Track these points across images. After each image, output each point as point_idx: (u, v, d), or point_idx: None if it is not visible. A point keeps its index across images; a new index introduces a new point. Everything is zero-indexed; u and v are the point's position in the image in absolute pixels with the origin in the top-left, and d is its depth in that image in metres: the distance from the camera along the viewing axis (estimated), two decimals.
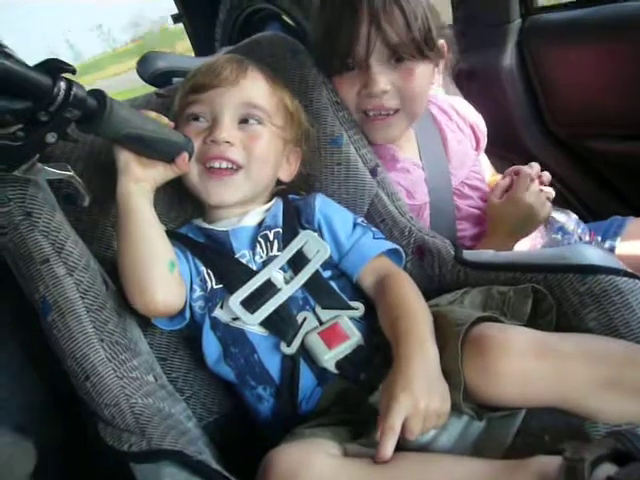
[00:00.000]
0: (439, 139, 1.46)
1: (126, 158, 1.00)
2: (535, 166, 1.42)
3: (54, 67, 0.81)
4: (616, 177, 1.89)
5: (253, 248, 1.13)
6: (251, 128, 1.15)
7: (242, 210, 1.18)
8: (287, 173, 1.26)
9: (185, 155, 1.06)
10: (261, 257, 1.12)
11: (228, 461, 0.96)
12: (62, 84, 0.80)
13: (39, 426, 1.13)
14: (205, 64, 1.23)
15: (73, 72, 0.84)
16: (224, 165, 1.12)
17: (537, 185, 1.37)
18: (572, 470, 0.71)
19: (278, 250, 1.12)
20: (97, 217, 1.14)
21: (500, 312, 1.02)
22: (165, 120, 1.06)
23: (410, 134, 1.43)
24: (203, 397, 1.16)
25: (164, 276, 1.02)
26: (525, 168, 1.40)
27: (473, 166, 1.51)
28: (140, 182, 1.01)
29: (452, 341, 0.92)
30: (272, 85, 1.21)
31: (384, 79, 1.24)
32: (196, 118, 1.16)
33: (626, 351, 0.89)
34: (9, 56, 0.75)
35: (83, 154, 1.13)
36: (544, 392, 0.87)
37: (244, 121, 1.15)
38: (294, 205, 1.21)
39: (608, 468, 0.72)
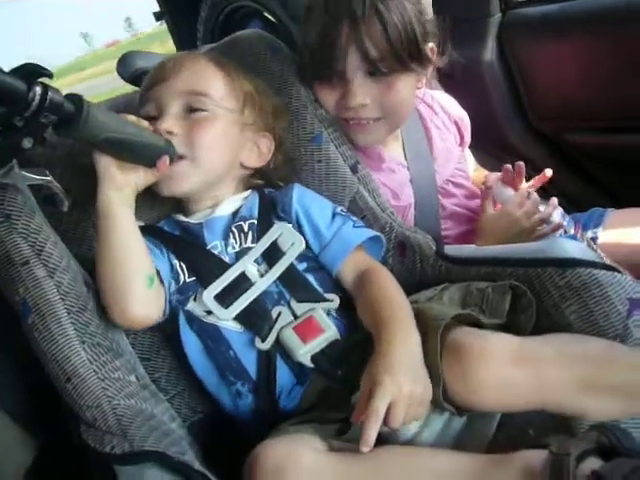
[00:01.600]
0: (424, 137, 1.45)
1: (106, 163, 0.99)
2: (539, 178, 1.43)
3: (30, 71, 0.81)
4: (597, 169, 1.90)
5: (226, 238, 1.12)
6: (196, 116, 1.13)
7: (213, 201, 1.17)
8: (256, 159, 1.23)
9: (166, 158, 1.04)
10: (234, 248, 1.11)
11: (213, 460, 0.96)
12: (38, 89, 0.80)
13: (27, 432, 1.14)
14: (159, 62, 1.24)
15: (50, 76, 0.83)
16: None
17: (532, 205, 1.36)
18: (558, 464, 0.72)
19: (252, 242, 1.12)
20: (78, 218, 1.14)
21: (479, 309, 1.02)
22: (145, 123, 1.05)
23: (396, 133, 1.42)
24: (187, 397, 1.16)
25: (142, 292, 1.01)
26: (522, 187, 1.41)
27: (458, 163, 1.51)
28: (121, 189, 1.00)
29: (431, 335, 0.92)
30: (221, 70, 1.19)
31: (362, 92, 1.23)
32: (150, 118, 1.13)
33: (604, 350, 0.89)
34: None
35: (63, 156, 1.13)
36: (525, 397, 0.87)
37: (191, 110, 1.13)
38: (270, 197, 1.20)
39: (593, 462, 0.72)
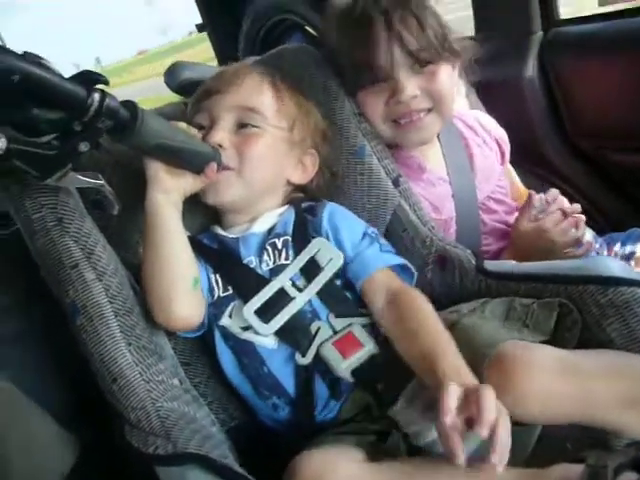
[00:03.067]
0: (465, 154, 1.46)
1: (156, 168, 1.02)
2: (575, 206, 1.38)
3: (88, 78, 0.83)
4: (637, 189, 1.88)
5: (260, 255, 1.13)
6: (247, 132, 1.15)
7: (252, 215, 1.19)
8: (301, 176, 1.25)
9: (214, 165, 1.06)
10: (268, 265, 1.12)
11: (251, 466, 0.97)
12: (96, 95, 0.82)
13: (67, 431, 1.15)
14: (214, 73, 1.26)
15: (106, 83, 0.86)
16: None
17: (568, 224, 1.34)
18: (595, 476, 0.73)
19: (286, 259, 1.12)
20: (125, 224, 1.15)
21: (522, 324, 1.02)
22: (194, 131, 1.08)
23: (437, 148, 1.43)
24: (225, 402, 1.17)
25: (187, 293, 1.03)
26: (563, 203, 1.38)
27: (498, 180, 1.50)
28: (169, 192, 1.03)
29: (476, 361, 0.91)
30: (274, 87, 1.21)
31: (411, 84, 1.25)
32: (200, 127, 1.16)
33: None
34: (46, 67, 0.77)
35: (113, 162, 1.15)
36: (567, 410, 0.87)
37: (242, 126, 1.16)
38: (304, 214, 1.20)
39: (630, 476, 0.73)
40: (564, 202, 1.38)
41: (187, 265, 1.05)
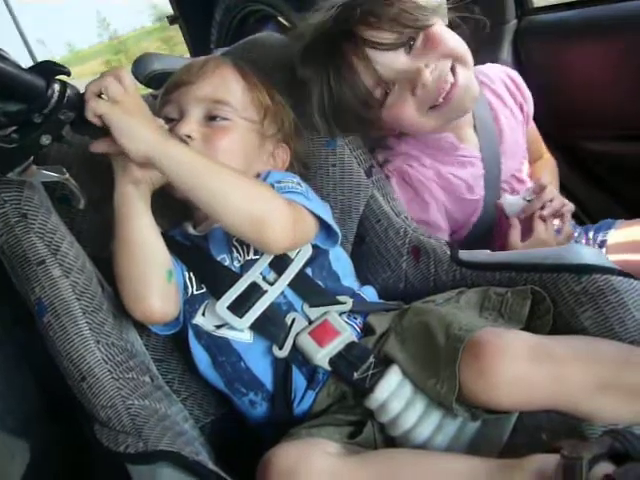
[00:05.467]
0: (494, 128, 1.41)
1: (123, 159, 0.99)
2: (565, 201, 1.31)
3: (48, 69, 0.81)
4: (611, 178, 1.89)
5: (230, 252, 1.12)
6: (217, 124, 1.14)
7: None
8: (271, 169, 1.21)
9: None
10: (239, 261, 1.11)
11: (225, 462, 0.96)
12: (56, 86, 0.81)
13: (31, 430, 1.14)
14: (184, 65, 1.24)
15: (67, 74, 0.84)
16: None
17: (561, 224, 1.30)
18: (570, 468, 0.72)
19: (255, 254, 1.11)
20: (92, 218, 1.14)
21: (497, 313, 1.02)
22: (161, 122, 1.06)
23: (469, 125, 1.38)
24: (200, 398, 1.17)
25: (162, 286, 1.02)
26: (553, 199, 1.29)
27: (522, 157, 1.46)
28: (138, 183, 1.00)
29: (451, 344, 0.91)
30: (245, 80, 1.19)
31: (421, 63, 1.18)
32: (170, 120, 1.14)
33: (620, 352, 0.89)
34: (3, 58, 0.75)
35: (78, 155, 1.13)
36: (541, 396, 0.86)
37: (212, 118, 1.14)
38: None
39: (606, 467, 0.72)
40: (553, 195, 1.30)
41: (160, 257, 1.03)
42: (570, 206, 1.30)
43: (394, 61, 1.19)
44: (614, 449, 0.74)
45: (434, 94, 1.21)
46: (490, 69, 1.52)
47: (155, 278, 1.01)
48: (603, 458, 0.73)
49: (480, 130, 1.38)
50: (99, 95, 0.89)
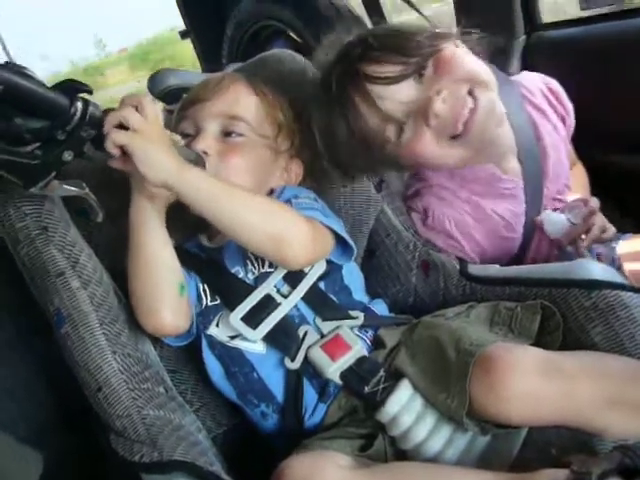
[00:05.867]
0: (537, 149, 1.29)
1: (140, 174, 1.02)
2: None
3: (71, 87, 0.83)
4: (619, 192, 1.90)
5: (245, 265, 1.13)
6: (232, 140, 1.15)
7: None
8: (285, 184, 1.22)
9: None
10: (253, 274, 1.12)
11: (238, 472, 0.97)
12: (79, 104, 0.82)
13: (46, 439, 1.15)
14: (200, 81, 1.25)
15: (90, 92, 0.86)
16: None
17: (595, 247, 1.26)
18: None
19: (270, 267, 1.11)
20: (109, 232, 1.15)
21: (507, 328, 1.03)
22: (177, 137, 1.08)
23: (512, 152, 1.27)
24: (212, 409, 1.18)
25: (174, 300, 1.03)
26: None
27: (565, 179, 1.37)
28: (154, 199, 1.02)
29: (461, 359, 0.92)
30: (259, 96, 1.20)
31: (432, 91, 1.11)
32: (186, 135, 1.15)
33: (630, 368, 0.89)
34: (29, 77, 0.77)
35: (97, 171, 1.15)
36: (550, 411, 0.87)
37: (227, 134, 1.15)
38: None
39: None
40: (602, 221, 1.25)
41: (172, 271, 1.04)
42: (612, 232, 1.25)
43: (400, 94, 1.12)
44: (624, 464, 0.75)
45: (451, 122, 1.12)
46: (527, 79, 1.42)
47: (167, 292, 1.02)
48: (612, 473, 0.74)
49: (523, 155, 1.28)
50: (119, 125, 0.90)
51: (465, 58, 1.15)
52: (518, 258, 1.31)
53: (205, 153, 1.11)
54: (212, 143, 1.13)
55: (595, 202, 1.26)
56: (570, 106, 1.42)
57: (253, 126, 1.17)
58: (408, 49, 1.12)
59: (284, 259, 1.02)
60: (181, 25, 3.20)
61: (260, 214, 1.00)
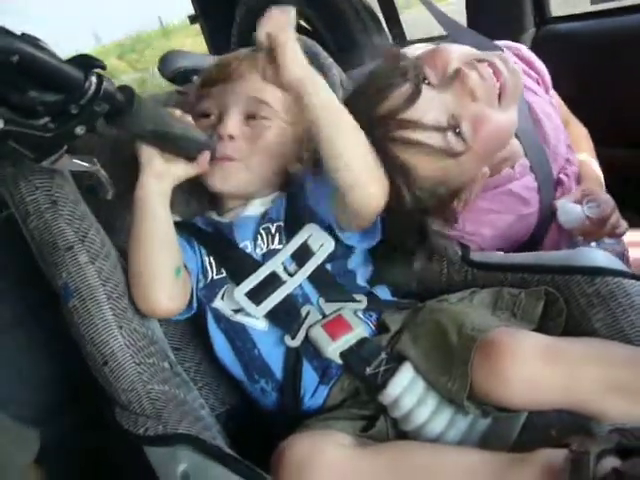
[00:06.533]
0: (531, 121, 1.30)
1: (149, 153, 1.02)
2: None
3: (86, 62, 0.84)
4: (625, 187, 1.90)
5: (255, 240, 1.13)
6: (257, 123, 1.15)
7: (246, 200, 1.19)
8: (301, 168, 1.22)
9: (207, 154, 1.07)
10: (261, 249, 1.12)
11: (240, 450, 0.98)
12: (93, 78, 0.83)
13: (51, 415, 1.16)
14: (218, 59, 1.26)
15: (103, 68, 0.86)
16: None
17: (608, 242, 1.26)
18: (578, 461, 0.73)
19: (279, 244, 1.12)
20: (117, 210, 1.16)
21: (510, 313, 1.04)
22: (188, 118, 1.08)
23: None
24: (215, 387, 1.19)
25: (169, 284, 1.03)
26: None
27: (565, 138, 1.37)
28: (161, 178, 1.03)
29: (464, 343, 0.93)
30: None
31: (454, 71, 1.11)
32: (206, 115, 1.17)
33: (632, 354, 0.90)
34: (44, 49, 0.78)
35: (107, 148, 1.16)
36: (552, 396, 0.88)
37: (251, 117, 1.15)
38: (297, 199, 1.18)
39: (613, 461, 0.74)
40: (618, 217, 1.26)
41: (170, 253, 1.05)
42: (624, 228, 1.26)
43: (427, 103, 1.09)
44: (621, 445, 0.76)
45: (489, 85, 1.11)
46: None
47: (163, 276, 1.03)
48: (610, 453, 0.75)
49: (520, 131, 1.26)
50: None
51: (447, 46, 1.16)
52: (535, 240, 1.31)
53: (231, 137, 1.12)
54: (239, 126, 1.14)
55: (612, 202, 1.26)
56: (542, 67, 1.42)
57: (276, 110, 1.17)
58: (400, 68, 1.12)
59: (371, 194, 0.99)
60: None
61: (366, 143, 0.99)
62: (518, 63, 1.34)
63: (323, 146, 0.96)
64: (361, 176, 0.97)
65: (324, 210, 1.10)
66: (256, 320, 1.08)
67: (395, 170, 1.07)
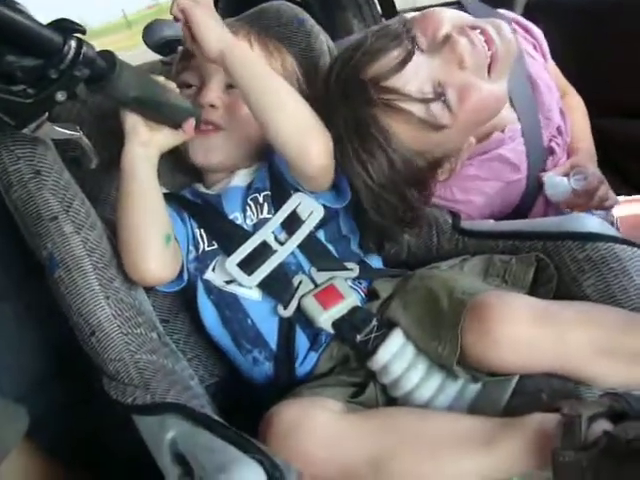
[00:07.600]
0: (530, 92, 1.29)
1: (134, 120, 1.00)
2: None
3: (65, 26, 0.82)
4: (621, 157, 1.90)
5: (244, 211, 1.13)
6: (237, 92, 1.11)
7: (230, 171, 1.18)
8: None
9: (192, 121, 1.05)
10: (252, 220, 1.12)
11: (228, 421, 0.98)
12: (73, 42, 0.81)
13: (39, 386, 1.16)
14: None
15: (83, 32, 0.84)
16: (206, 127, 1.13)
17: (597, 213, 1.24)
18: (570, 425, 0.73)
19: (268, 213, 1.12)
20: (102, 180, 1.15)
21: (501, 279, 1.04)
22: (172, 85, 1.07)
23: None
24: (205, 359, 1.18)
25: (159, 251, 1.02)
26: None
27: (557, 104, 1.35)
28: (146, 146, 1.01)
29: (454, 307, 0.93)
30: (262, 46, 1.19)
31: (444, 36, 1.07)
32: (188, 86, 1.16)
33: (623, 318, 0.90)
34: (21, 12, 0.76)
35: (90, 117, 1.14)
36: (542, 359, 0.88)
37: (231, 86, 1.13)
38: (279, 167, 1.15)
39: (604, 425, 0.74)
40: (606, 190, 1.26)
41: (160, 221, 1.03)
42: (614, 200, 1.26)
43: (415, 71, 1.05)
44: (613, 409, 0.76)
45: (482, 53, 1.06)
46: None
47: (152, 243, 1.01)
48: (602, 416, 0.75)
49: (515, 94, 1.24)
50: None
51: (439, 9, 1.12)
52: (521, 212, 1.31)
53: (212, 106, 1.11)
54: (219, 95, 1.13)
55: (599, 175, 1.26)
56: (540, 35, 1.42)
57: None
58: (392, 32, 1.08)
59: (309, 153, 1.00)
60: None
61: (296, 102, 1.01)
62: (517, 30, 1.34)
63: (254, 115, 1.01)
64: (294, 139, 0.99)
65: (289, 175, 1.09)
66: (249, 290, 1.08)
67: (374, 134, 1.05)
